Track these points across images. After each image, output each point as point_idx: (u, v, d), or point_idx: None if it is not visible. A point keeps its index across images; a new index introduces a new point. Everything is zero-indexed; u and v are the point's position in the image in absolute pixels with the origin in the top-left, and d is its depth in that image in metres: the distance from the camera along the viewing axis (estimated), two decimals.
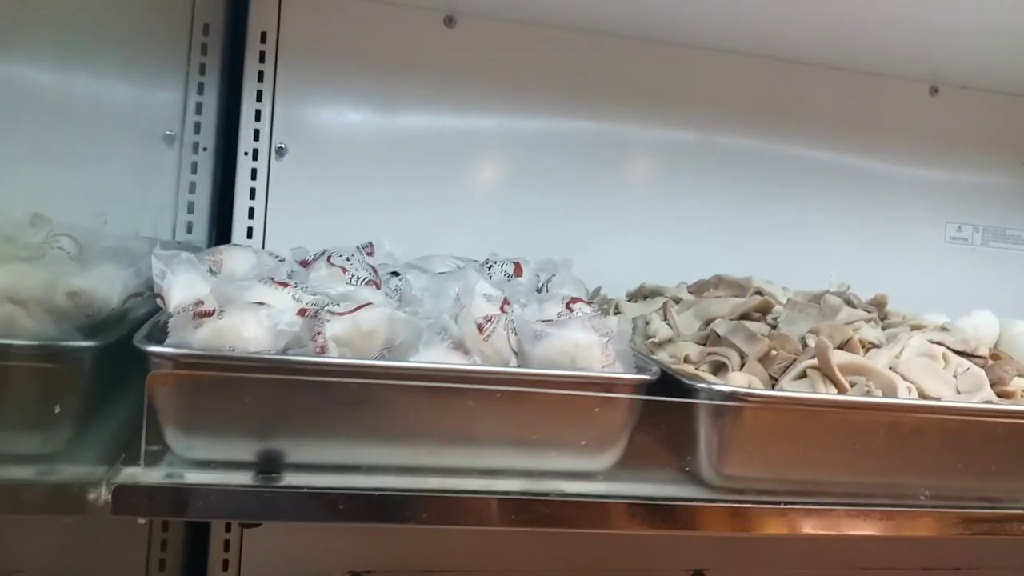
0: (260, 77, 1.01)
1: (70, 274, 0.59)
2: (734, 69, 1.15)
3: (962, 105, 1.22)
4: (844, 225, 1.21)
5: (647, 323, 0.81)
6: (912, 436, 0.63)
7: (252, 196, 1.01)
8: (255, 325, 0.55)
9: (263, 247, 1.01)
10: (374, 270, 0.69)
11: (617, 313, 0.89)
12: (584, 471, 0.61)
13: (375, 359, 0.57)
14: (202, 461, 0.57)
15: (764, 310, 0.81)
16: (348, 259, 0.67)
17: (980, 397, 0.66)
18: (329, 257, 0.67)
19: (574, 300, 0.67)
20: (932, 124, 1.21)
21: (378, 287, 0.67)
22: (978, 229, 1.23)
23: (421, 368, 0.56)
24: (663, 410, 0.64)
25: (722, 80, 1.15)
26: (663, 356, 0.77)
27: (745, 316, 0.81)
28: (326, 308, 0.58)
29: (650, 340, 0.78)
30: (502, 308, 0.61)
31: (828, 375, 0.66)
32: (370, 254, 0.92)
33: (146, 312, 0.65)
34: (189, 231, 0.99)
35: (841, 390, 0.65)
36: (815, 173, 1.20)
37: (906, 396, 0.64)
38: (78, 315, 0.58)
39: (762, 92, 1.17)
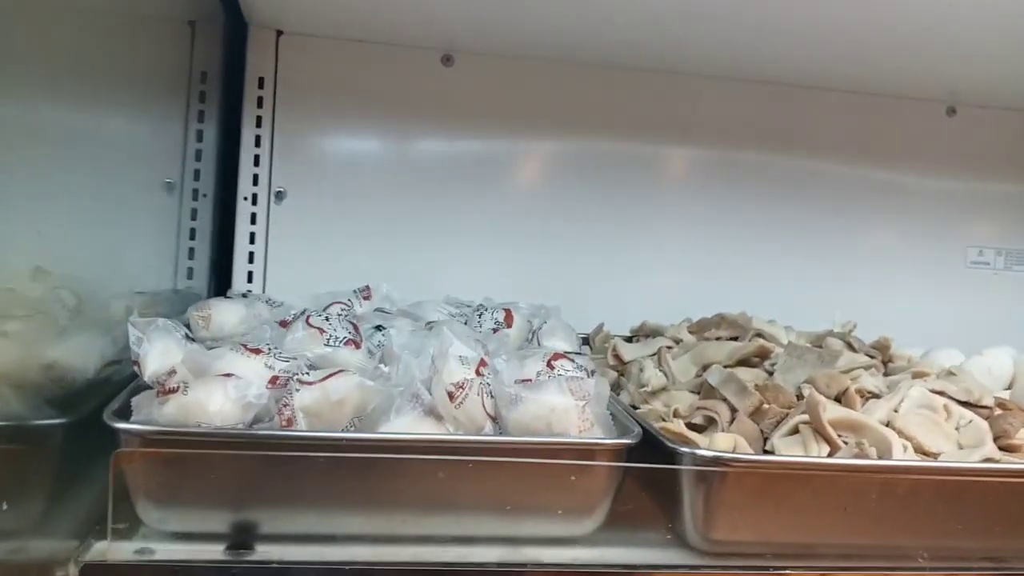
0: (259, 122, 1.01)
1: (45, 344, 0.59)
2: (742, 96, 1.13)
3: (980, 125, 1.18)
4: (862, 252, 1.18)
5: (641, 370, 0.79)
6: (907, 497, 0.60)
7: (252, 241, 1.01)
8: (222, 399, 0.54)
9: (263, 291, 1.02)
10: (355, 328, 0.68)
11: (615, 355, 0.88)
12: (565, 537, 0.60)
13: (342, 430, 0.56)
14: (176, 533, 0.57)
15: (762, 355, 0.79)
16: (327, 319, 0.67)
17: (981, 453, 0.63)
18: (308, 318, 0.67)
19: (556, 356, 0.65)
20: (950, 146, 1.18)
21: (358, 346, 0.66)
22: (1001, 252, 1.19)
23: (386, 439, 0.55)
24: (646, 473, 0.62)
25: (730, 107, 1.13)
26: (656, 406, 0.75)
27: (743, 361, 0.79)
28: (295, 377, 0.57)
29: (643, 389, 0.77)
30: (478, 371, 0.60)
31: (820, 432, 0.63)
32: (367, 298, 0.92)
33: (122, 381, 0.65)
34: (190, 277, 0.99)
35: (833, 448, 0.63)
36: (829, 199, 1.17)
37: (900, 455, 0.62)
38: (51, 387, 0.58)
39: (774, 119, 1.15)
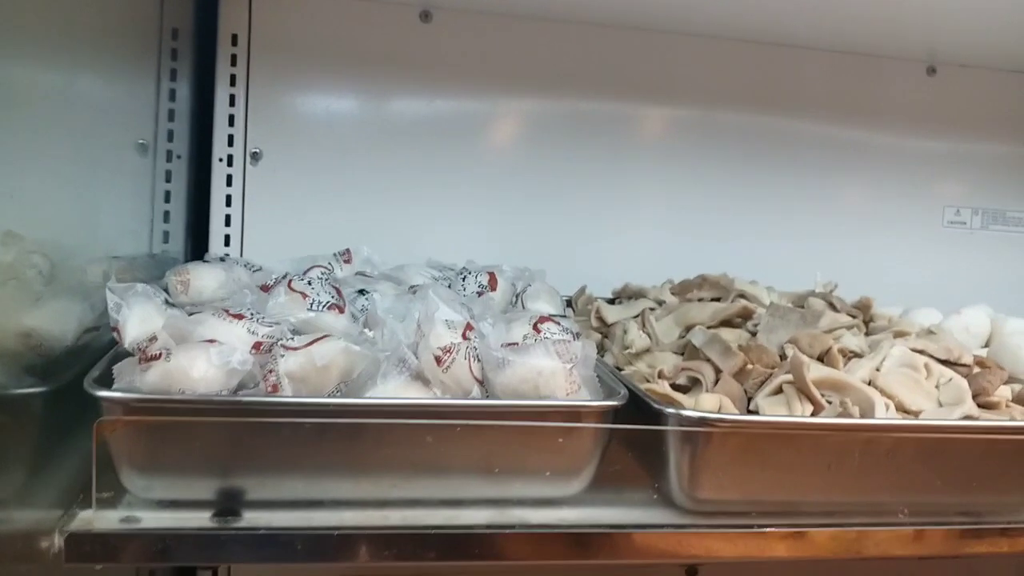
0: (232, 81, 0.99)
1: (21, 311, 0.57)
2: (721, 55, 1.12)
3: (961, 84, 1.18)
4: (840, 212, 1.18)
5: (625, 331, 0.79)
6: (889, 454, 0.61)
7: (228, 203, 1.00)
8: (205, 365, 0.53)
9: (241, 255, 1.00)
10: (338, 292, 0.67)
11: (598, 317, 0.88)
12: (553, 499, 0.60)
13: (328, 396, 0.56)
14: (162, 501, 0.56)
15: (745, 315, 0.79)
16: (310, 283, 0.66)
17: (961, 411, 0.64)
18: (290, 282, 0.66)
19: (542, 319, 0.65)
20: (930, 105, 1.17)
21: (341, 311, 0.65)
22: (977, 212, 1.20)
23: (373, 404, 0.55)
24: (633, 434, 0.62)
25: (710, 66, 1.12)
26: (641, 367, 0.75)
27: (726, 322, 0.79)
28: (280, 342, 0.56)
29: (627, 350, 0.77)
30: (464, 334, 0.60)
31: (803, 392, 0.64)
32: (347, 261, 0.91)
33: (102, 348, 0.63)
34: (166, 241, 0.98)
35: (817, 407, 0.64)
36: (809, 159, 1.17)
37: (883, 413, 0.62)
38: (30, 355, 0.57)
39: (754, 78, 1.13)
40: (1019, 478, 0.63)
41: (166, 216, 0.97)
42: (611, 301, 0.95)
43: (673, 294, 0.91)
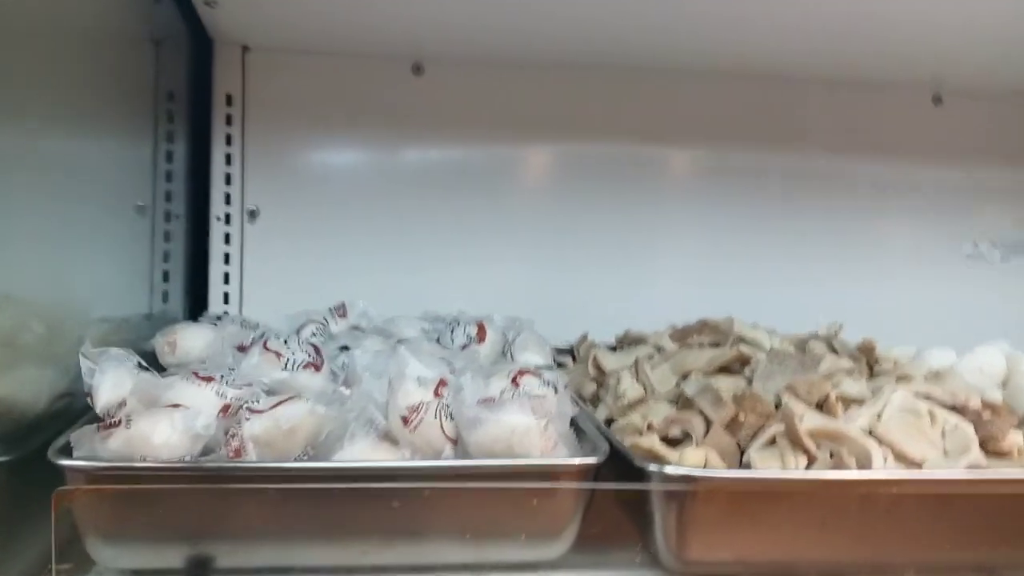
0: (228, 140, 1.00)
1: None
2: (726, 93, 1.10)
3: (969, 112, 1.15)
4: (853, 248, 1.15)
5: (618, 381, 0.77)
6: (889, 509, 0.58)
7: (227, 261, 1.00)
8: (168, 431, 0.52)
9: (240, 312, 1.00)
10: (316, 350, 0.66)
11: (596, 365, 0.85)
12: (532, 562, 0.58)
13: (296, 460, 0.54)
14: (131, 571, 0.55)
15: (742, 361, 0.76)
16: (285, 342, 0.65)
17: (966, 460, 0.60)
18: (265, 342, 0.65)
19: (522, 372, 0.63)
20: (937, 135, 1.14)
21: (318, 369, 0.64)
22: (996, 244, 1.16)
23: (334, 468, 0.54)
24: (619, 493, 0.60)
25: (715, 105, 1.10)
26: (635, 418, 0.72)
27: (724, 368, 0.77)
28: (246, 405, 0.55)
29: (620, 401, 0.74)
30: (436, 391, 0.58)
31: (797, 443, 0.61)
32: (343, 316, 0.91)
33: (76, 413, 0.63)
34: (165, 300, 0.98)
35: (811, 460, 0.60)
36: (818, 195, 1.14)
37: (880, 464, 0.59)
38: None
39: (761, 115, 1.12)
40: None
41: (165, 276, 0.98)
42: (613, 348, 0.93)
43: (673, 340, 0.88)
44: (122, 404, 0.57)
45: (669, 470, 0.56)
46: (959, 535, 0.59)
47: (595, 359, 0.86)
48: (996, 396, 0.76)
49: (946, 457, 0.62)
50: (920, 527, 0.58)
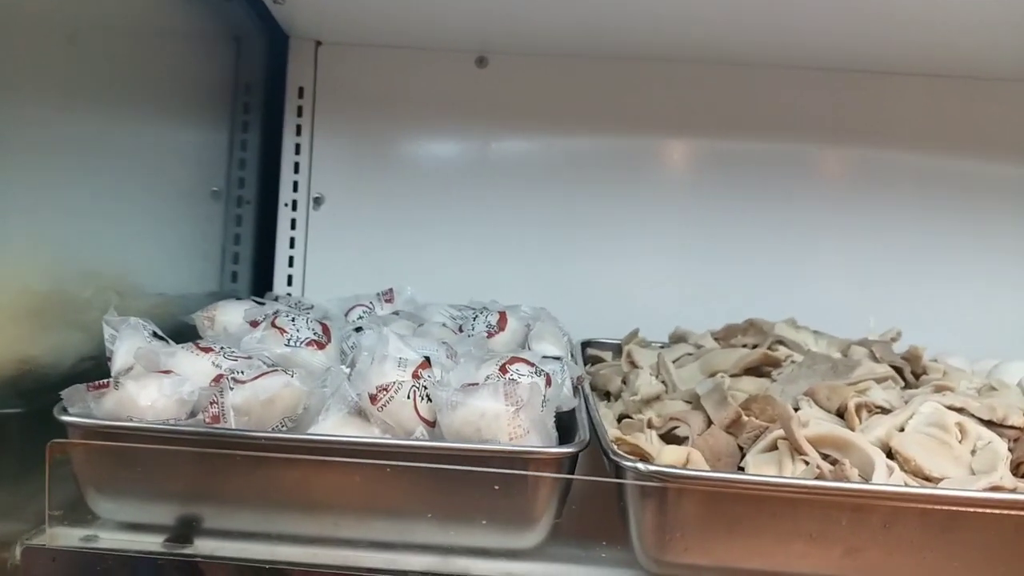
0: (298, 131, 1.04)
1: (22, 342, 0.63)
2: (803, 85, 1.04)
3: None
4: (949, 252, 1.06)
5: (636, 378, 0.74)
6: (884, 526, 0.52)
7: (292, 245, 1.05)
8: (156, 394, 0.56)
9: (303, 293, 1.05)
10: (324, 329, 0.68)
11: (630, 361, 0.83)
12: (505, 549, 0.57)
13: (272, 430, 0.56)
14: (127, 523, 0.59)
15: (771, 363, 0.72)
16: (293, 320, 0.67)
17: (988, 480, 0.54)
18: (275, 319, 0.67)
19: (513, 360, 0.62)
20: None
21: (321, 347, 0.66)
22: None
23: (291, 439, 0.55)
24: (599, 487, 0.58)
25: (790, 97, 1.05)
26: (650, 415, 0.70)
27: (753, 370, 0.73)
28: (230, 375, 0.58)
29: (634, 397, 0.72)
30: (416, 373, 0.58)
31: (796, 449, 0.57)
32: (389, 300, 0.93)
33: (102, 374, 0.68)
34: (234, 280, 1.04)
35: (813, 468, 0.56)
36: (914, 194, 1.06)
37: (883, 477, 0.54)
38: (27, 380, 0.62)
39: (843, 105, 1.05)
40: None
41: (235, 257, 1.04)
42: (663, 346, 0.90)
43: (717, 339, 0.84)
44: (131, 368, 0.61)
45: (640, 467, 0.54)
46: (968, 561, 0.53)
47: (629, 354, 0.83)
48: None
49: (972, 475, 0.56)
50: (923, 549, 0.53)
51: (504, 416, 0.55)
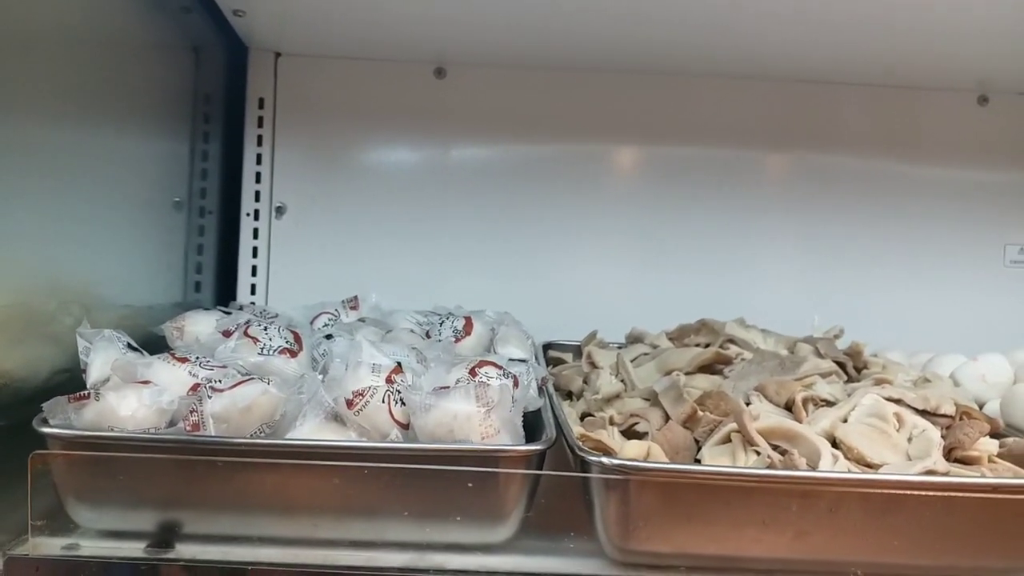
0: (259, 141, 1.06)
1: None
2: (754, 96, 1.09)
3: (1017, 112, 1.09)
4: (890, 253, 1.12)
5: (597, 377, 0.78)
6: (830, 511, 0.57)
7: (255, 254, 1.06)
8: (135, 404, 0.57)
9: (266, 302, 1.06)
10: (296, 337, 0.70)
11: (590, 361, 0.86)
12: (476, 544, 0.60)
13: (250, 436, 0.58)
14: (107, 531, 0.60)
15: (722, 361, 0.76)
16: (266, 329, 0.69)
17: (923, 465, 0.58)
18: (247, 328, 0.69)
19: (482, 363, 0.65)
20: (983, 136, 1.10)
21: (294, 355, 0.68)
22: None
23: (271, 444, 0.57)
24: (567, 482, 0.61)
25: (743, 108, 1.10)
26: (611, 413, 0.74)
27: (706, 368, 0.77)
28: (208, 384, 0.60)
29: (595, 396, 0.75)
30: (389, 378, 0.61)
31: (748, 441, 0.61)
32: (354, 308, 0.95)
33: (76, 387, 0.69)
34: (198, 290, 1.05)
35: (764, 458, 0.60)
36: (858, 199, 1.12)
37: (828, 465, 0.58)
38: (2, 394, 0.63)
39: (799, 117, 1.10)
40: (983, 539, 0.57)
41: (198, 267, 1.05)
42: (621, 347, 0.94)
43: (671, 339, 0.88)
44: (107, 380, 0.62)
45: (604, 461, 0.57)
46: (909, 540, 0.57)
47: (589, 355, 0.87)
48: (993, 404, 0.74)
49: (909, 461, 0.61)
50: (866, 530, 0.57)
51: (476, 417, 0.58)
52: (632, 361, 0.81)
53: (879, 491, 0.56)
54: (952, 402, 0.65)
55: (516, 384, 0.66)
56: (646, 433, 0.66)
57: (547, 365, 0.90)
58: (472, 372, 0.65)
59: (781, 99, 1.10)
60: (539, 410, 0.68)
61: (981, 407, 0.74)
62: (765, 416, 0.63)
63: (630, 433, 0.67)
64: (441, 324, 0.81)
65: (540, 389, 0.72)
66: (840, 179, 1.12)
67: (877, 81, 1.09)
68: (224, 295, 1.06)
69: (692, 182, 1.11)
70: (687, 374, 0.75)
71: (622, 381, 0.78)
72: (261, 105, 1.05)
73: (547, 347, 0.97)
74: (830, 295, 1.11)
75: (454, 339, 0.80)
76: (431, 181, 1.08)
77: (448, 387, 0.62)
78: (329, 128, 1.06)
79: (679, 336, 0.88)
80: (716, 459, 0.61)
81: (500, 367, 0.65)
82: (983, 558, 0.58)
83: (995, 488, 0.56)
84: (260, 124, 1.06)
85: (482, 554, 0.59)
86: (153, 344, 0.76)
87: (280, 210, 1.06)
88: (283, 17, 0.98)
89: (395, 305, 0.95)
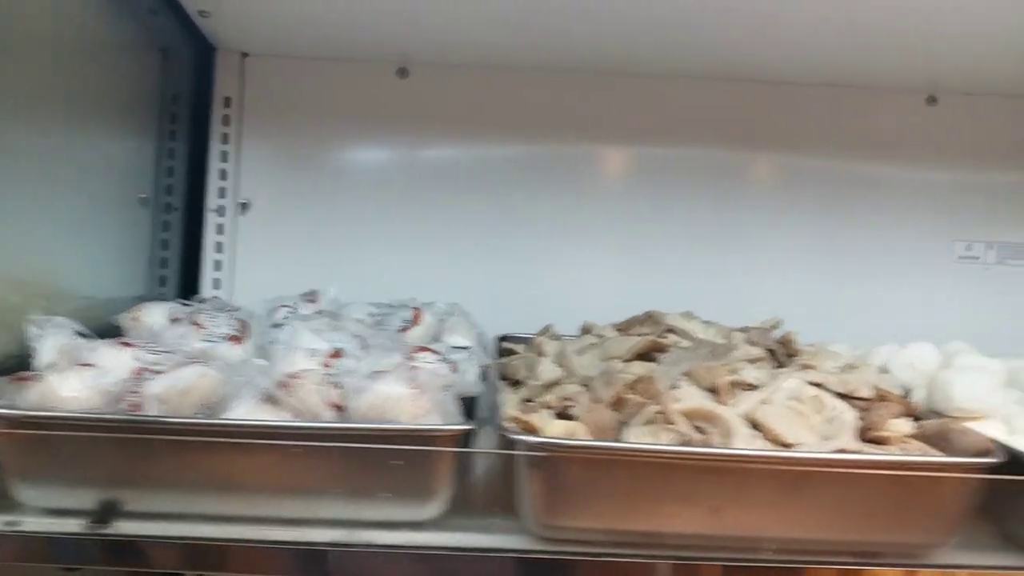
0: (225, 139, 1.08)
1: None
2: (710, 96, 1.12)
3: (964, 113, 1.12)
4: (846, 250, 1.14)
5: (539, 365, 0.80)
6: (739, 487, 0.59)
7: (219, 250, 1.08)
8: (78, 386, 0.60)
9: (231, 297, 1.08)
10: (243, 325, 0.73)
11: (539, 352, 0.89)
12: (407, 521, 0.62)
13: (172, 415, 0.61)
14: (50, 509, 0.62)
15: (659, 349, 0.79)
16: (213, 317, 0.72)
17: (832, 445, 0.61)
18: (195, 317, 0.72)
19: (420, 349, 0.68)
20: (932, 135, 1.12)
21: (239, 342, 0.71)
22: (991, 246, 1.13)
23: (205, 424, 0.59)
24: (498, 461, 0.64)
25: (700, 108, 1.12)
26: (550, 398, 0.76)
27: (644, 356, 0.79)
28: (150, 367, 0.62)
29: (535, 383, 0.78)
30: (326, 362, 0.63)
31: (668, 421, 0.63)
32: (312, 301, 0.97)
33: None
34: (162, 284, 1.07)
35: (683, 437, 0.63)
36: (812, 197, 1.14)
37: (744, 444, 0.61)
38: None
39: (751, 116, 1.13)
40: (890, 516, 0.59)
41: (163, 262, 1.07)
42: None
43: (619, 330, 0.91)
44: (53, 364, 0.64)
45: (527, 439, 0.60)
46: (818, 516, 0.60)
47: (538, 345, 0.89)
48: (922, 391, 0.76)
49: (823, 441, 0.63)
50: (777, 503, 0.59)
51: (406, 399, 0.60)
52: (579, 351, 0.83)
53: (786, 468, 0.59)
54: (870, 386, 0.67)
55: (455, 370, 0.68)
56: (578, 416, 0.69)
57: (501, 355, 0.92)
58: (409, 357, 0.67)
59: (741, 100, 1.12)
60: (479, 396, 0.71)
61: (909, 393, 0.77)
62: (689, 398, 0.66)
63: (564, 417, 0.70)
64: (392, 315, 0.84)
65: (484, 377, 0.74)
66: (795, 180, 1.14)
67: (832, 81, 1.11)
68: (188, 289, 1.08)
69: (658, 182, 1.13)
70: (626, 361, 0.77)
71: (564, 369, 0.81)
72: (228, 104, 1.08)
73: (502, 339, 0.99)
74: (791, 290, 1.13)
75: (402, 328, 0.82)
76: (395, 179, 1.10)
77: (384, 371, 0.64)
78: (295, 127, 1.09)
79: (626, 327, 0.90)
80: (640, 439, 0.64)
81: (438, 353, 0.68)
82: (892, 534, 0.61)
83: (896, 465, 0.58)
84: (226, 123, 1.08)
85: (411, 531, 0.62)
86: (111, 334, 0.79)
87: (245, 206, 1.08)
88: (248, 18, 1.00)
89: (357, 298, 0.97)
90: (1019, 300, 1.12)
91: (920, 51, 1.00)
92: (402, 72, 1.09)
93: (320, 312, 0.93)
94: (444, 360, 0.68)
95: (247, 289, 1.08)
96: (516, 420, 0.65)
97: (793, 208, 1.14)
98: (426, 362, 0.66)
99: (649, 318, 0.90)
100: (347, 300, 0.97)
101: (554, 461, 0.59)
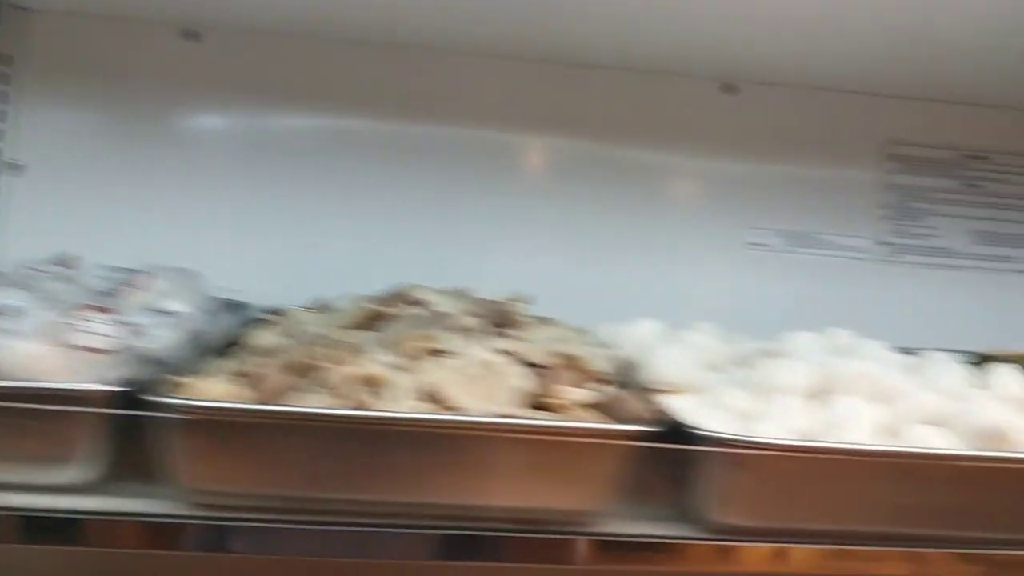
0: (3, 98, 1.04)
1: None
2: (500, 74, 1.11)
3: (760, 102, 1.14)
4: (633, 235, 1.14)
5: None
6: (394, 449, 0.59)
7: None
8: None
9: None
10: None
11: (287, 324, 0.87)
12: (49, 484, 0.60)
13: None
14: None
15: (384, 319, 0.78)
16: None
17: (496, 409, 0.61)
18: None
19: (89, 308, 0.65)
20: (727, 123, 1.13)
21: None
22: (780, 234, 1.14)
23: None
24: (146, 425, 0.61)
25: (485, 86, 1.11)
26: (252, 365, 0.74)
27: (364, 326, 0.78)
28: None
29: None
30: None
31: (335, 385, 0.62)
32: (64, 266, 0.94)
33: None
34: None
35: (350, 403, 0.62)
36: (595, 179, 1.13)
37: (398, 407, 0.60)
38: None
39: (541, 96, 1.12)
40: (549, 482, 0.59)
41: None
42: None
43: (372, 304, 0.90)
44: None
45: (163, 400, 0.58)
46: (473, 482, 0.59)
47: (292, 315, 0.87)
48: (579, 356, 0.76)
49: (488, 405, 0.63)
50: (447, 466, 0.59)
51: (50, 357, 0.58)
52: (311, 322, 0.82)
53: (423, 430, 0.58)
54: (556, 355, 0.67)
55: (138, 333, 0.66)
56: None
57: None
58: (79, 314, 0.65)
59: (530, 81, 1.11)
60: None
61: (630, 367, 0.76)
62: (367, 365, 0.65)
63: None
64: (116, 278, 0.81)
65: (194, 343, 0.73)
66: (586, 165, 1.13)
67: (619, 65, 1.11)
68: None
69: (417, 161, 1.11)
70: (344, 329, 0.76)
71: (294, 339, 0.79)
72: (8, 62, 1.04)
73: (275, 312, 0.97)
74: (585, 276, 1.12)
75: (113, 290, 0.79)
76: (183, 148, 1.07)
77: (34, 329, 0.62)
78: (80, 87, 1.05)
79: (379, 303, 0.89)
80: (310, 404, 0.62)
81: (108, 311, 0.65)
82: (543, 500, 0.61)
83: (531, 430, 0.58)
84: (7, 81, 1.04)
85: (52, 495, 0.59)
86: None
87: (18, 168, 1.04)
88: None
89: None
90: (805, 286, 1.14)
91: (712, 37, 1.01)
92: (192, 35, 1.07)
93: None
94: (123, 322, 0.65)
95: (20, 254, 1.04)
96: (178, 384, 0.63)
97: (562, 193, 1.13)
98: (85, 320, 0.64)
99: (398, 293, 0.89)
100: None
101: (197, 425, 0.58)
